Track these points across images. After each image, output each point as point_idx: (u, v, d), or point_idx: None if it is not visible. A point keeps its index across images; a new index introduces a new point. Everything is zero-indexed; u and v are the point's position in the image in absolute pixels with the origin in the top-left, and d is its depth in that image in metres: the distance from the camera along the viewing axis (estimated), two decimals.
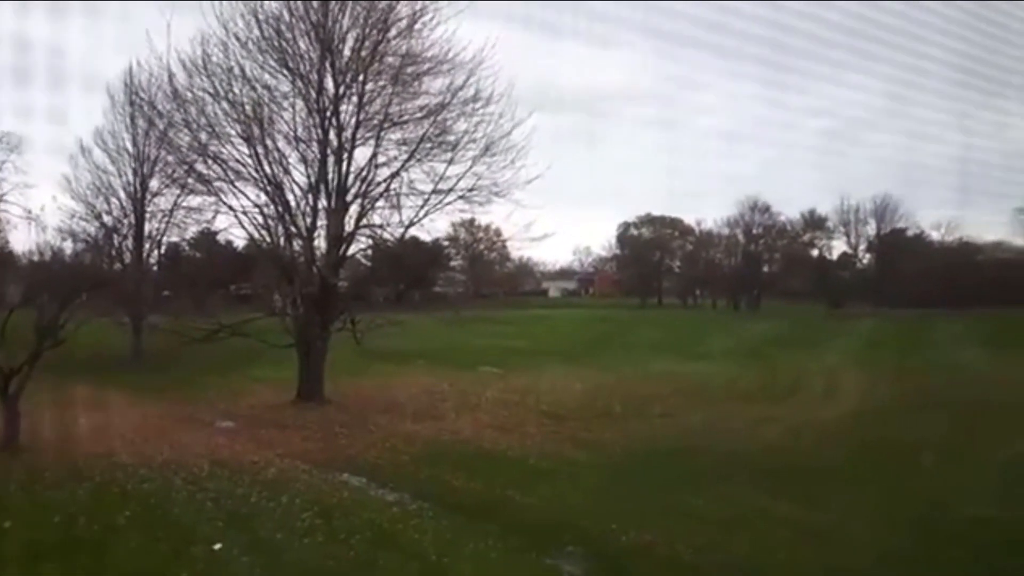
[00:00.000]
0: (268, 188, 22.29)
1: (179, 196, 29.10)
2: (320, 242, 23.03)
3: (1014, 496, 13.20)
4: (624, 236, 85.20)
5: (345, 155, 22.38)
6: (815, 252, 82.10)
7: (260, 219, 22.92)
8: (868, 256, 79.49)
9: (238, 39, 21.32)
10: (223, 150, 22.15)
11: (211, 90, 21.50)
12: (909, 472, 15.09)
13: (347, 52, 21.96)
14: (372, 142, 22.42)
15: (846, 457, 16.32)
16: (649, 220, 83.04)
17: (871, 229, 77.62)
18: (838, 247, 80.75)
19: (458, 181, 22.34)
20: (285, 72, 21.92)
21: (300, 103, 22.15)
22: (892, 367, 32.23)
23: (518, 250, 73.78)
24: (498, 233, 45.59)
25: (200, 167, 22.85)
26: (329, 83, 22.04)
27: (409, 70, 22.05)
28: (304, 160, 22.43)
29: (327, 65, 21.98)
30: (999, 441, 17.62)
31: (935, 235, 76.21)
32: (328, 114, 22.13)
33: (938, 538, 11.14)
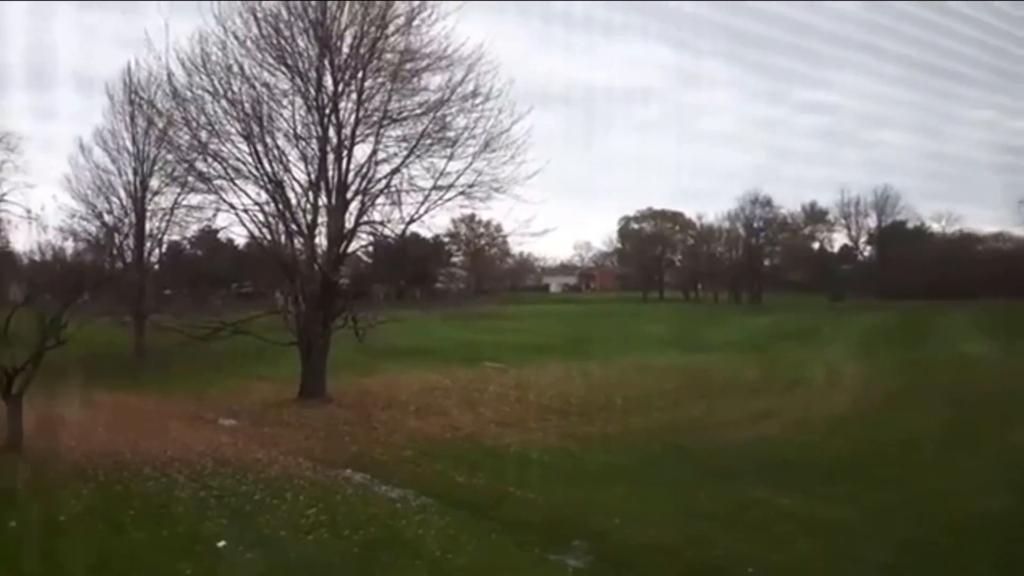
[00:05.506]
0: (268, 186, 22.36)
1: (179, 194, 29.30)
2: (321, 239, 23.13)
3: (1019, 485, 13.24)
4: (625, 230, 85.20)
5: (345, 152, 22.43)
6: (816, 245, 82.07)
7: (261, 217, 23.04)
8: (869, 248, 79.49)
9: (237, 37, 21.41)
10: (223, 148, 22.24)
11: (210, 88, 21.58)
12: (913, 463, 15.09)
13: (346, 49, 21.99)
14: (372, 139, 22.49)
15: (849, 450, 16.32)
16: (650, 214, 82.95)
17: (872, 221, 77.66)
18: (839, 240, 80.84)
19: (458, 177, 22.43)
20: (284, 70, 21.95)
21: (299, 101, 22.25)
22: (895, 359, 32.22)
23: (519, 245, 74.00)
24: (499, 229, 45.70)
25: (200, 165, 22.94)
26: (328, 80, 22.08)
27: (408, 66, 22.06)
28: (304, 157, 22.50)
29: (326, 62, 21.99)
30: (1003, 431, 17.64)
31: (936, 227, 76.29)
32: (327, 111, 22.14)
33: (943, 528, 11.13)
